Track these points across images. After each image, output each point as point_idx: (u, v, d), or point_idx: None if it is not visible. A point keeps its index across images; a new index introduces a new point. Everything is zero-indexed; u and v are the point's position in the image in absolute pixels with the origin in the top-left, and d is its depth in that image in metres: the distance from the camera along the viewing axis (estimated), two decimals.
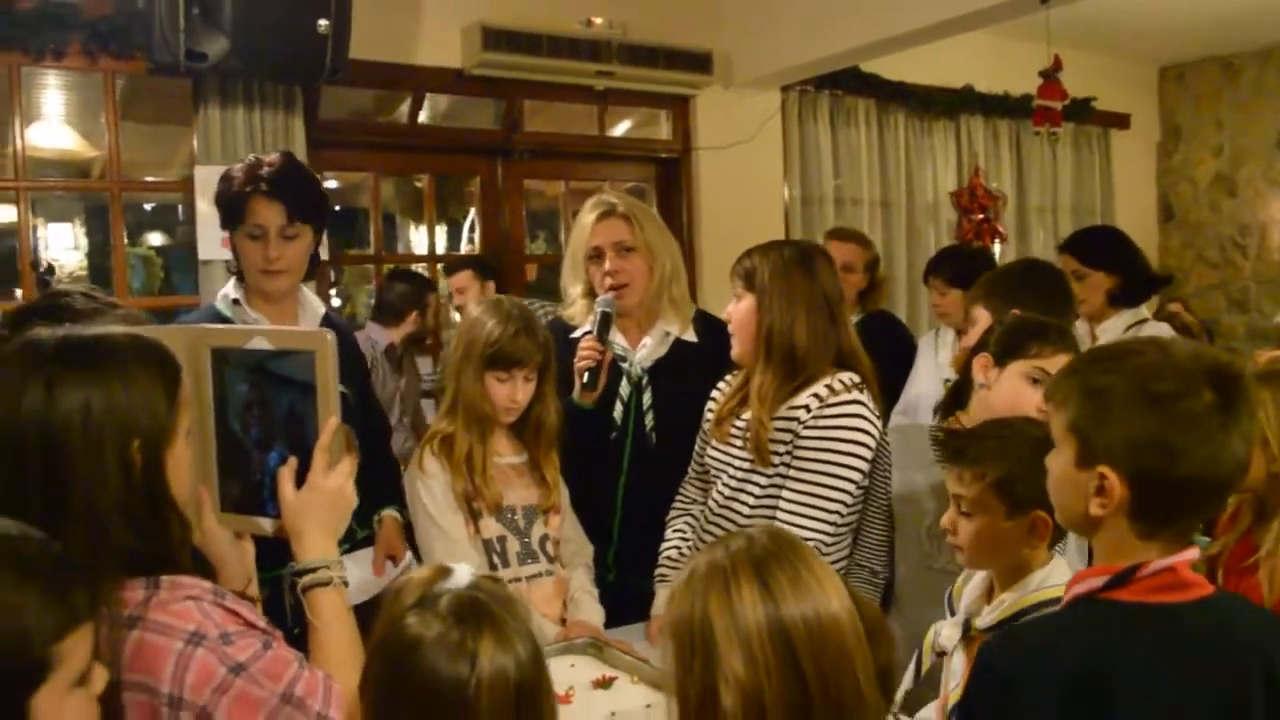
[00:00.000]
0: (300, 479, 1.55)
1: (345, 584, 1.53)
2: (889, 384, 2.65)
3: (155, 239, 8.38)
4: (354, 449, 1.60)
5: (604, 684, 2.12)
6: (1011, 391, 2.03)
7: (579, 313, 2.88)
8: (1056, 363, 1.94)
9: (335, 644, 1.44)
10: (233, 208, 2.60)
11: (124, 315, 1.83)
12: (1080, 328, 3.31)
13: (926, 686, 1.84)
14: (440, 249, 6.09)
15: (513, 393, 2.47)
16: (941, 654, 1.79)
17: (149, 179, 5.57)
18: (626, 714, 1.93)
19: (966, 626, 1.77)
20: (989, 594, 1.79)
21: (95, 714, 1.10)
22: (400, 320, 4.80)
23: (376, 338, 4.67)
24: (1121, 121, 7.58)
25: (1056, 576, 1.69)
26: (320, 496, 1.53)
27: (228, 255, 4.23)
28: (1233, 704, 1.36)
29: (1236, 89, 7.68)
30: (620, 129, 5.86)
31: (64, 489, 1.23)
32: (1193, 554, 1.42)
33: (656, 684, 2.07)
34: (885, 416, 2.47)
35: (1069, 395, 1.46)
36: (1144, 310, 3.49)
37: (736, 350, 2.43)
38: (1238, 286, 7.75)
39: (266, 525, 1.61)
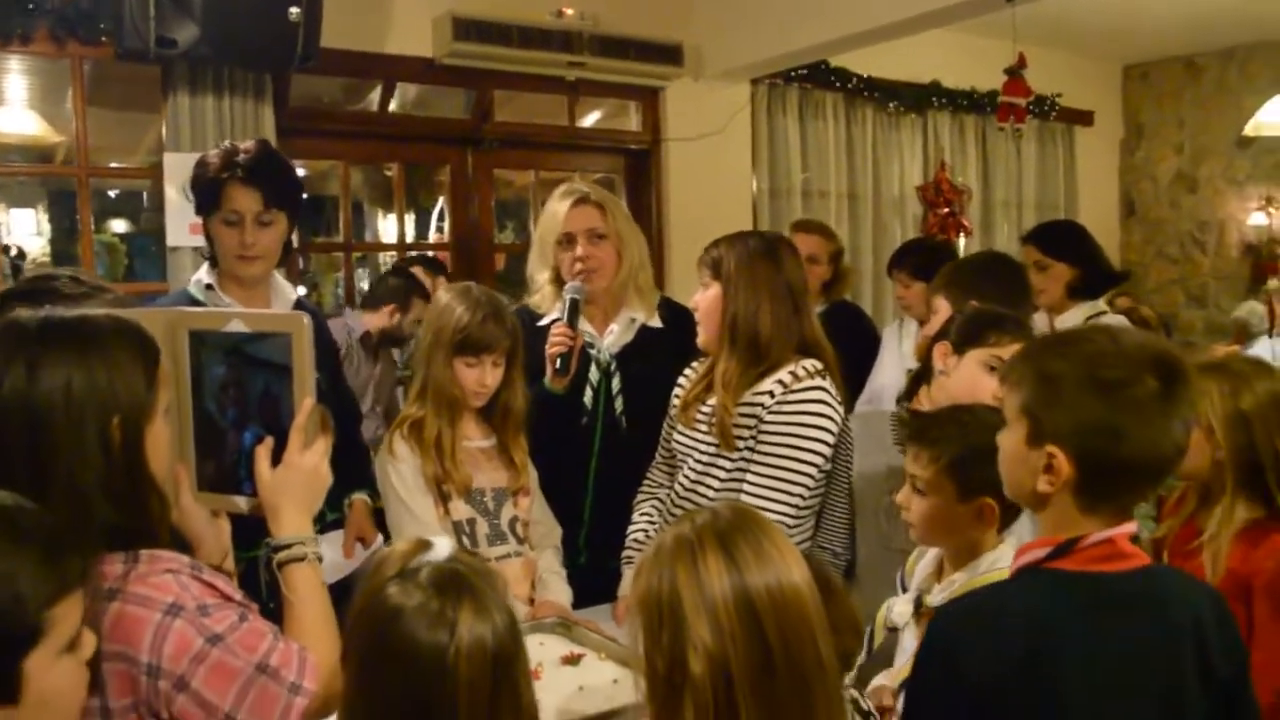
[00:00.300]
0: (276, 459, 1.58)
1: (320, 560, 1.56)
2: (852, 374, 2.69)
3: (119, 226, 8.33)
4: (329, 429, 1.63)
5: (572, 660, 2.17)
6: (969, 378, 2.10)
7: (545, 299, 2.92)
8: (1012, 351, 2.01)
9: (310, 618, 1.48)
10: (208, 193, 2.61)
11: (113, 299, 1.85)
12: (1040, 319, 3.40)
13: (878, 660, 1.90)
14: (410, 238, 6.10)
15: (481, 377, 2.50)
16: (893, 629, 1.85)
17: (115, 165, 5.54)
18: (594, 688, 1.98)
19: (918, 603, 1.83)
20: (940, 572, 1.85)
21: (84, 678, 1.14)
22: (377, 308, 4.80)
23: (353, 324, 4.68)
24: (1085, 118, 7.70)
25: (1006, 559, 1.74)
26: (296, 475, 1.57)
27: (196, 242, 4.26)
28: (1167, 667, 1.44)
29: (1198, 88, 7.82)
30: (590, 120, 5.89)
31: (47, 465, 1.26)
32: (1130, 528, 1.49)
33: (623, 660, 2.12)
34: (848, 405, 2.52)
35: (1023, 378, 1.53)
36: (1101, 304, 3.57)
37: (702, 338, 2.48)
38: (1196, 282, 7.91)
39: (242, 504, 1.64)
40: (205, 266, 2.72)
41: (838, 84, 6.26)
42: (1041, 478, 1.47)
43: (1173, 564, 2.15)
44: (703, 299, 2.46)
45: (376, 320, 4.75)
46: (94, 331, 1.37)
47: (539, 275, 2.95)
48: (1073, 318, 3.38)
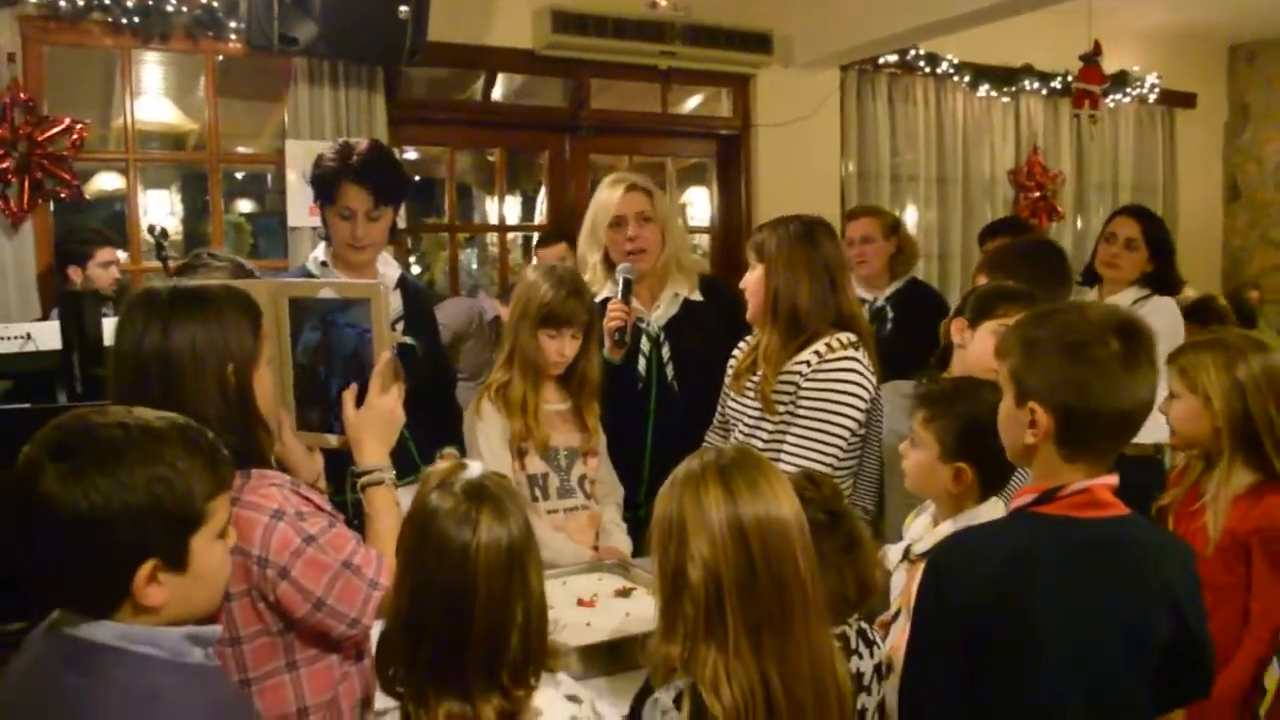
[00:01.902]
0: (359, 402, 1.90)
1: (395, 484, 1.88)
2: (928, 350, 2.76)
3: (245, 206, 8.84)
4: (401, 378, 1.93)
5: (624, 594, 2.45)
6: (983, 349, 2.29)
7: (597, 279, 3.19)
8: None
9: (385, 530, 1.79)
10: (325, 188, 2.93)
11: (240, 270, 2.25)
12: (1089, 296, 3.55)
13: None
14: (512, 220, 6.41)
15: (561, 348, 2.78)
16: (888, 572, 2.09)
17: (241, 150, 5.97)
18: (640, 616, 2.25)
19: (907, 551, 2.07)
20: (934, 525, 2.08)
21: (229, 561, 1.46)
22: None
23: (486, 307, 4.95)
24: (1188, 100, 7.64)
25: (986, 514, 1.97)
26: (375, 414, 1.89)
27: (314, 223, 4.64)
28: (1133, 604, 1.65)
29: None
30: (685, 106, 6.11)
31: (179, 402, 1.58)
32: (1110, 480, 1.70)
33: None
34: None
35: (1011, 348, 1.77)
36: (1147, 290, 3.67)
37: (750, 313, 2.72)
38: None
39: (333, 440, 1.97)
40: (322, 245, 3.06)
41: (927, 68, 6.38)
42: (1027, 432, 1.70)
43: (1177, 526, 2.34)
44: (749, 279, 2.70)
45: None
46: (211, 298, 1.70)
47: (590, 257, 3.23)
48: (1122, 300, 3.51)
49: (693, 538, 1.52)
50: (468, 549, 1.45)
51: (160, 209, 7.81)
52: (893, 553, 2.10)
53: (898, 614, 2.03)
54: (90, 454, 1.28)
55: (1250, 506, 2.21)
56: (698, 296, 3.22)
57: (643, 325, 3.16)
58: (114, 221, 5.79)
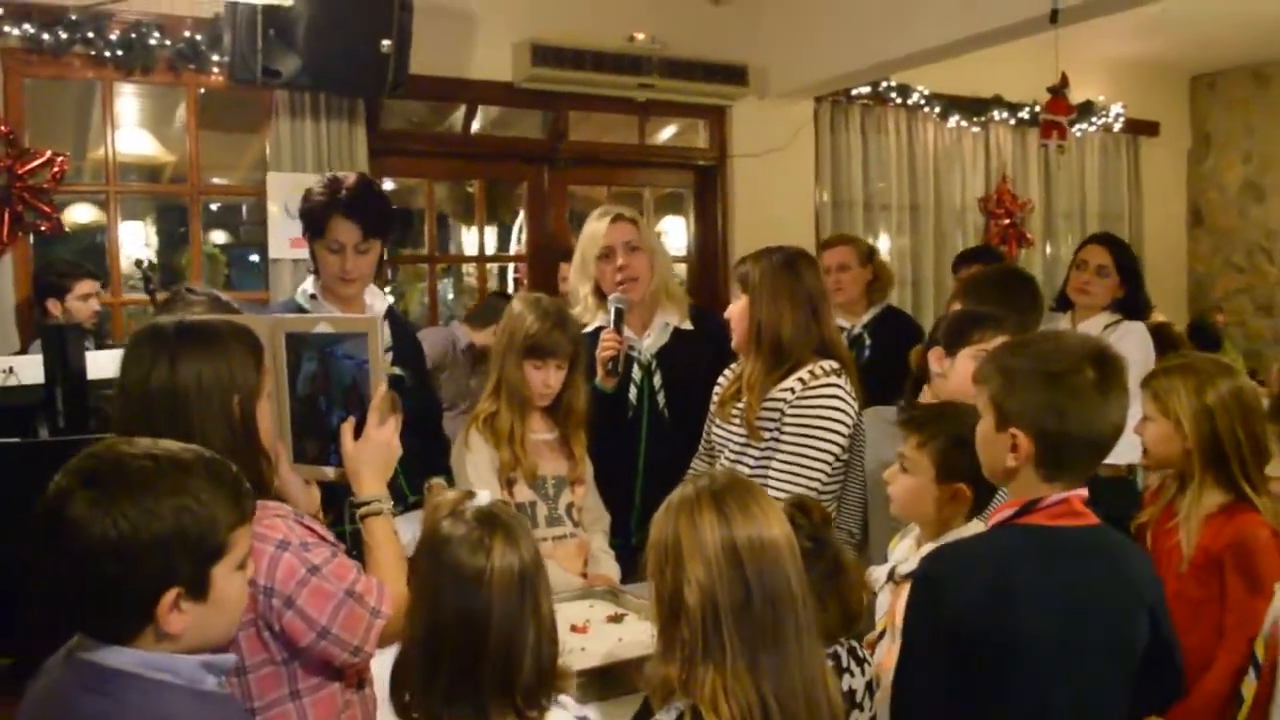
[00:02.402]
0: (357, 435, 1.93)
1: (393, 514, 1.91)
2: (902, 375, 2.86)
3: (219, 238, 8.84)
4: (398, 410, 1.97)
5: (616, 619, 2.50)
6: (964, 374, 2.36)
7: (588, 310, 3.25)
8: (997, 343, 2.28)
9: (385, 558, 1.83)
10: (314, 222, 2.97)
11: (224, 304, 2.28)
12: (1064, 322, 3.64)
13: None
14: (490, 249, 6.46)
15: (546, 379, 2.83)
16: (873, 594, 2.15)
17: (217, 181, 5.95)
18: (633, 640, 2.30)
19: (892, 572, 2.12)
20: (918, 547, 2.14)
21: (246, 592, 1.49)
22: (484, 327, 4.96)
23: (459, 336, 4.98)
24: (1151, 129, 7.81)
25: (970, 533, 2.03)
26: (374, 446, 1.92)
27: (296, 255, 4.69)
28: (1115, 606, 1.74)
29: (1266, 97, 7.88)
30: (660, 137, 6.20)
31: (185, 435, 1.61)
32: (1082, 492, 1.79)
33: None
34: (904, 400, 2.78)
35: (990, 375, 1.85)
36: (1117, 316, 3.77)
37: (735, 342, 2.78)
38: (1264, 291, 7.94)
39: (330, 473, 2.00)
40: (310, 279, 3.09)
41: (899, 99, 6.50)
42: (1009, 455, 1.79)
43: (1153, 544, 2.42)
44: (734, 309, 2.76)
45: (482, 337, 4.93)
46: (216, 332, 1.74)
47: (581, 288, 3.28)
48: (1094, 325, 3.60)
49: (688, 561, 1.56)
50: (482, 574, 1.50)
51: (135, 240, 7.81)
52: (878, 574, 2.16)
53: (883, 633, 2.09)
54: (120, 483, 1.32)
55: (1223, 524, 2.28)
56: (688, 325, 3.28)
57: (634, 354, 3.21)
58: (91, 254, 5.80)
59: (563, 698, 1.60)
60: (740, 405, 2.76)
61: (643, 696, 1.82)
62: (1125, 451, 2.13)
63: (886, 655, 2.02)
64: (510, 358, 2.83)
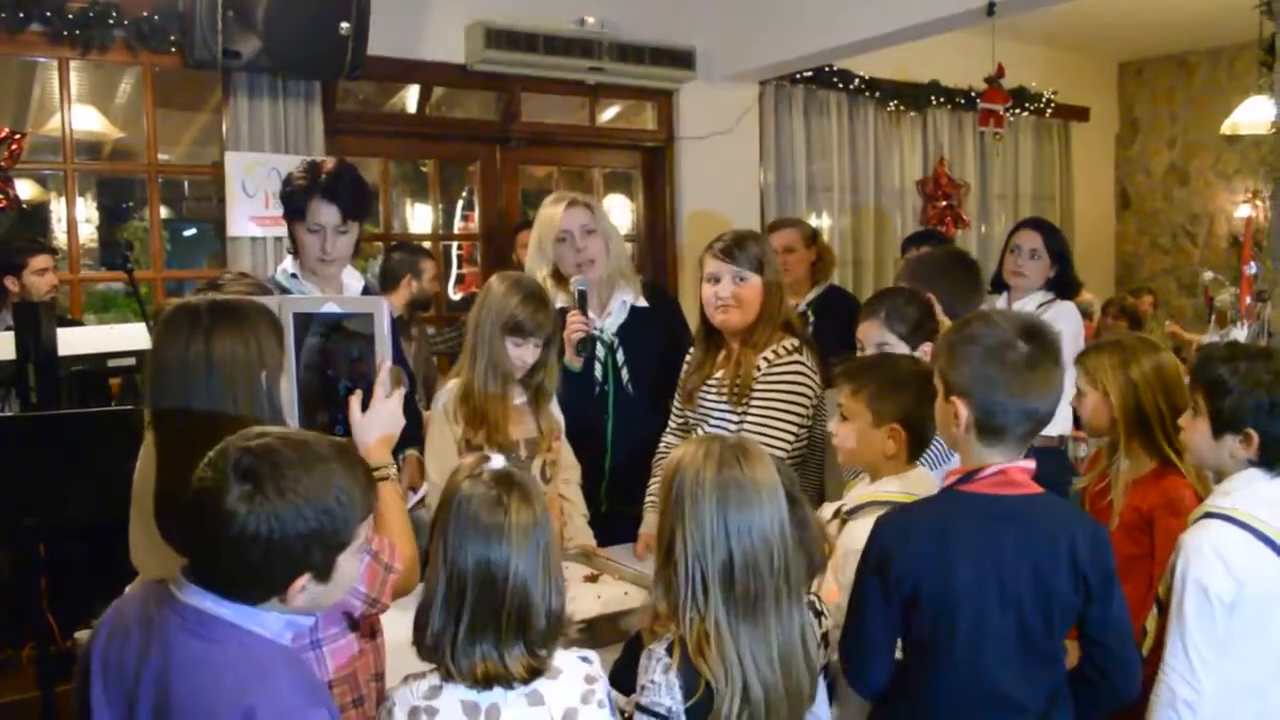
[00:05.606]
0: (364, 406, 2.05)
1: (399, 479, 2.05)
2: (847, 351, 2.98)
3: (164, 213, 8.77)
4: (402, 383, 2.10)
5: (592, 579, 2.67)
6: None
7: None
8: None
9: (393, 519, 1.95)
10: (295, 204, 3.09)
11: (263, 287, 2.47)
12: (999, 303, 3.86)
13: None
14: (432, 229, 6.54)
15: (523, 355, 2.93)
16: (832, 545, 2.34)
17: (165, 159, 5.91)
18: (610, 597, 2.48)
19: (838, 511, 2.35)
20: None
21: (359, 570, 1.65)
22: (396, 286, 5.05)
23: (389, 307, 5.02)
24: (1081, 114, 8.09)
25: (914, 478, 2.27)
26: (381, 416, 2.04)
27: (254, 232, 4.76)
28: (1040, 569, 1.91)
29: (1190, 85, 8.21)
30: (608, 116, 6.31)
31: (224, 408, 1.74)
32: (1027, 464, 1.96)
33: (631, 580, 2.61)
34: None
35: (940, 351, 2.04)
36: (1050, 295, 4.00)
37: (741, 319, 2.93)
38: (1187, 271, 8.28)
39: None
40: (289, 258, 3.21)
41: (841, 84, 6.70)
42: (954, 423, 1.96)
43: (1091, 508, 2.62)
44: (747, 290, 2.91)
45: (399, 297, 5.00)
46: (244, 310, 1.86)
47: (539, 272, 3.36)
48: (1028, 305, 3.82)
49: (687, 522, 1.76)
50: (501, 529, 1.64)
51: (79, 216, 7.75)
52: (825, 513, 2.36)
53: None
54: (272, 481, 1.43)
55: (1151, 486, 2.49)
56: (643, 303, 3.44)
57: (597, 332, 3.36)
58: (40, 230, 5.79)
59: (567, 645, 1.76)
60: (713, 381, 2.99)
61: (622, 647, 2.02)
62: (1057, 423, 2.32)
63: (830, 593, 2.20)
64: (492, 333, 2.89)
